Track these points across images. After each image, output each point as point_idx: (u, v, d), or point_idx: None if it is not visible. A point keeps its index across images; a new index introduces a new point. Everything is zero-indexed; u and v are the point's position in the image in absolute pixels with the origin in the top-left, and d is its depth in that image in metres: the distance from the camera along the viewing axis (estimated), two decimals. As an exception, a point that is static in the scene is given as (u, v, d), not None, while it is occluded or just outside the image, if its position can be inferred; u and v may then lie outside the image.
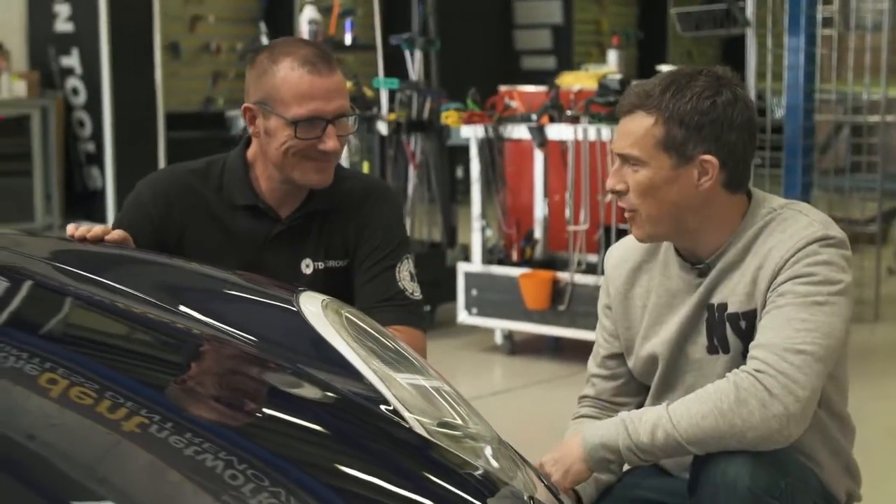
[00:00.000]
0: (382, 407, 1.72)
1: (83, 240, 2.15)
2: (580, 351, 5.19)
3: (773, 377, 1.94)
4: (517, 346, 5.49)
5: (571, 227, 5.15)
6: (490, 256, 5.44)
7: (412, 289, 2.48)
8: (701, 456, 1.99)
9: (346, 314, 1.92)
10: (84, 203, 9.39)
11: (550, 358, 5.39)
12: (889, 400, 4.78)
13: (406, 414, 1.72)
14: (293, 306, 1.88)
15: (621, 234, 5.01)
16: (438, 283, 5.58)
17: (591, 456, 2.01)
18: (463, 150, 5.78)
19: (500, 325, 5.41)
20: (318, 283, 2.41)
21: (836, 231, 2.06)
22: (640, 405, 2.26)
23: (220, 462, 1.38)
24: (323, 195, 2.45)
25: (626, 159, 2.07)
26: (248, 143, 2.47)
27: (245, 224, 2.44)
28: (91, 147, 9.29)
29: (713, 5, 5.55)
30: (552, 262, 5.48)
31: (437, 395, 1.85)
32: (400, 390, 1.77)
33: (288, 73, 2.33)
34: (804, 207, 2.12)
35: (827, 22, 5.73)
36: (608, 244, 5.02)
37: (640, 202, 2.06)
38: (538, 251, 5.58)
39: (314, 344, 1.81)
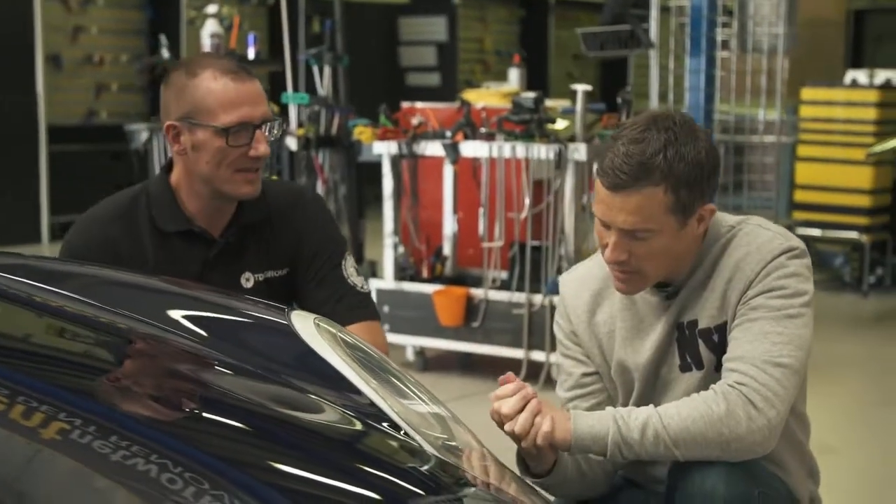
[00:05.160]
0: (384, 424, 1.71)
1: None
2: (491, 367, 5.22)
3: (757, 390, 1.99)
4: (428, 363, 5.49)
5: (486, 244, 5.18)
6: (402, 273, 5.43)
7: (360, 283, 2.51)
8: (678, 467, 2.03)
9: (340, 334, 1.91)
10: (-40, 218, 9.05)
11: (462, 374, 5.40)
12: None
13: (410, 431, 1.71)
14: (288, 327, 1.86)
15: (535, 250, 5.07)
16: (346, 300, 5.53)
17: (576, 444, 2.02)
18: (369, 166, 5.78)
19: (412, 342, 5.40)
20: (259, 295, 2.39)
21: (798, 242, 2.13)
22: None
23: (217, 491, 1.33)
24: (252, 207, 2.43)
25: (633, 233, 2.04)
26: (168, 169, 2.44)
27: (182, 251, 2.40)
28: (-31, 160, 8.99)
29: (614, 27, 5.66)
30: (463, 279, 5.51)
31: (433, 414, 1.86)
32: (402, 409, 1.77)
33: (211, 84, 2.32)
34: (762, 221, 2.18)
35: (723, 45, 5.91)
36: (522, 261, 5.09)
37: (648, 265, 2.07)
38: (448, 267, 5.60)
39: (314, 363, 1.80)
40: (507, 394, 2.01)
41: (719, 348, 2.11)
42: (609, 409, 2.05)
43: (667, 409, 2.01)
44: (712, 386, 2.03)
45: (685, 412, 1.99)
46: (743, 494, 1.98)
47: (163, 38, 6.39)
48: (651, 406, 2.03)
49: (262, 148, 2.33)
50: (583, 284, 2.24)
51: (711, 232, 2.13)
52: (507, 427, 2.00)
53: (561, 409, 2.07)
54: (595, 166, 4.53)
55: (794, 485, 2.18)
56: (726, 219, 2.17)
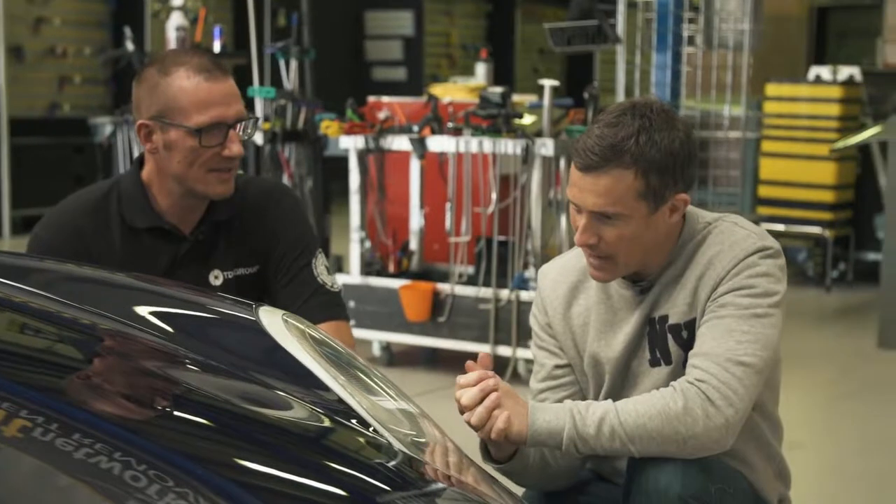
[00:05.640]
0: (353, 421, 1.70)
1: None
2: (456, 362, 5.20)
3: (716, 388, 1.99)
4: (394, 358, 5.48)
5: (453, 239, 5.17)
6: (368, 268, 5.42)
7: (331, 281, 2.50)
8: (634, 463, 2.03)
9: (308, 330, 1.89)
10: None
11: (427, 369, 5.40)
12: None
13: (378, 427, 1.71)
14: (256, 323, 1.84)
15: (502, 245, 5.07)
16: (312, 295, 5.51)
17: (531, 439, 2.01)
18: (336, 161, 5.75)
19: (378, 337, 5.39)
20: (228, 292, 2.37)
21: (773, 242, 2.13)
22: None
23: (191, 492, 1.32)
24: (223, 204, 2.42)
25: (603, 216, 2.04)
26: (140, 164, 2.42)
27: (151, 247, 2.39)
28: (-71, 153, 8.87)
29: (581, 22, 5.67)
30: (429, 274, 5.50)
31: (401, 411, 1.85)
32: (371, 405, 1.76)
33: (184, 83, 2.29)
34: (738, 220, 2.18)
35: (689, 40, 5.92)
36: (488, 256, 5.09)
37: (618, 251, 2.06)
38: (414, 262, 5.59)
39: (282, 360, 1.78)
40: (470, 383, 2.01)
41: (688, 344, 2.11)
42: (568, 402, 2.05)
43: (625, 404, 2.01)
44: (672, 382, 2.03)
45: (642, 408, 1.99)
46: (698, 492, 1.98)
47: (127, 31, 6.33)
48: (610, 401, 2.03)
49: (235, 148, 2.32)
50: (560, 276, 2.25)
51: (687, 228, 2.14)
52: (464, 417, 2.01)
53: (522, 399, 2.06)
54: (563, 161, 4.56)
55: (761, 483, 2.18)
56: (703, 216, 2.17)
